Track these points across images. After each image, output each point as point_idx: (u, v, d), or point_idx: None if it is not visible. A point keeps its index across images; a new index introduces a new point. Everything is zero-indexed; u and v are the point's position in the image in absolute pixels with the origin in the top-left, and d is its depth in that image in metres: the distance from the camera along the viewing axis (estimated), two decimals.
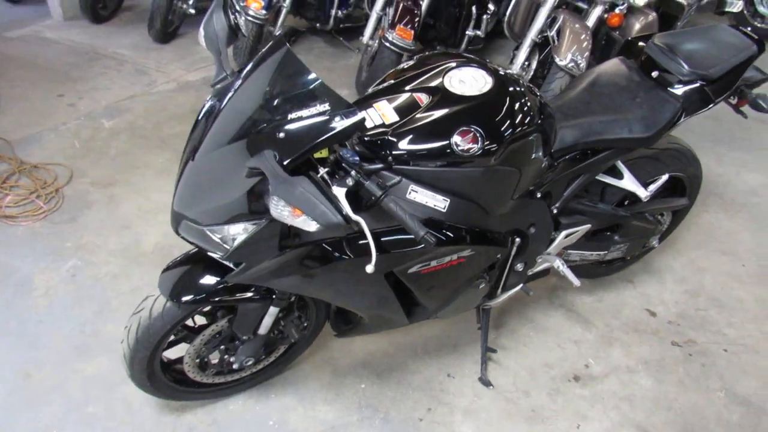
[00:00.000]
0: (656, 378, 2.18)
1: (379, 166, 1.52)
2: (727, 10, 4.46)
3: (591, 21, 3.37)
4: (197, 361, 1.89)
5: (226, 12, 1.62)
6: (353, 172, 1.41)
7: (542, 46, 3.43)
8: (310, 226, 1.22)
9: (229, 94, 1.48)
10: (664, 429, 2.02)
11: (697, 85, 1.91)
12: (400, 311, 1.77)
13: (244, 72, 1.51)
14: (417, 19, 3.57)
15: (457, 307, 1.93)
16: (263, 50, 1.52)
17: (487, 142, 1.54)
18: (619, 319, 2.40)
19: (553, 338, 2.32)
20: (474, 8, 3.90)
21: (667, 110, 1.88)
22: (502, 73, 1.69)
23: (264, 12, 3.97)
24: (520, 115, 1.61)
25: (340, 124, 1.35)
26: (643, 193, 2.03)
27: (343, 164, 1.45)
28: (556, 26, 3.29)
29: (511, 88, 1.64)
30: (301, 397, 2.11)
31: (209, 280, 1.66)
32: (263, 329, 1.81)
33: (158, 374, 1.86)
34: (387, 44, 3.56)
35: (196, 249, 1.75)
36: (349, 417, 2.05)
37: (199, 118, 1.60)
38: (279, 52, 1.47)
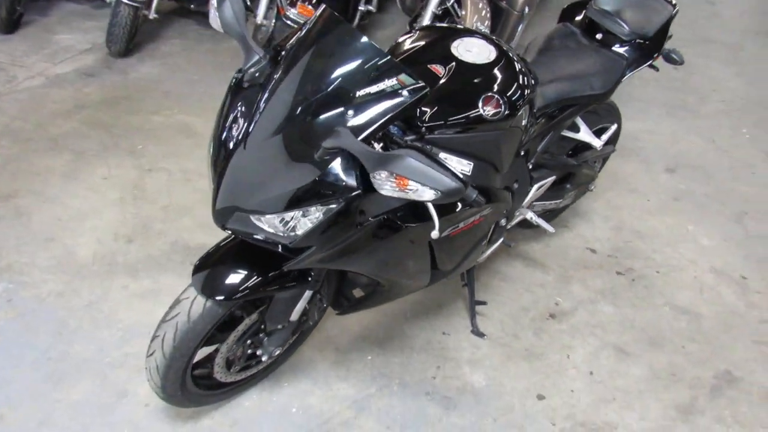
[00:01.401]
0: (614, 304, 2.53)
1: (414, 137, 1.60)
2: None
3: None
4: (224, 359, 1.84)
5: None
6: (404, 144, 1.48)
7: (441, 17, 3.63)
8: (425, 195, 1.26)
9: (276, 77, 1.46)
10: (635, 345, 2.36)
11: (637, 43, 2.22)
12: (428, 274, 1.88)
13: (288, 51, 1.49)
14: None
15: (465, 266, 2.08)
16: (308, 27, 1.51)
17: (508, 106, 1.69)
18: (567, 260, 2.72)
19: (520, 285, 2.57)
20: None
21: (617, 67, 2.17)
22: (497, 41, 1.84)
23: None
24: (525, 79, 1.78)
25: (407, 98, 1.41)
26: (597, 143, 2.32)
27: (395, 138, 1.52)
28: None
29: (511, 55, 1.81)
30: (314, 379, 2.13)
31: (249, 272, 1.62)
32: (295, 315, 1.81)
33: (188, 382, 1.78)
34: (289, 22, 3.53)
35: (225, 242, 1.70)
36: (367, 389, 2.12)
37: (229, 104, 1.55)
38: (332, 27, 1.47)
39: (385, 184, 1.29)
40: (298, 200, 1.40)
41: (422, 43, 1.81)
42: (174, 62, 4.00)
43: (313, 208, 1.42)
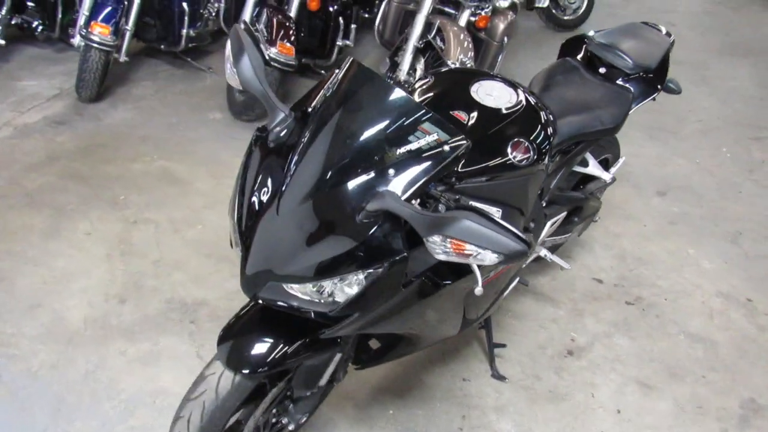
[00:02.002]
0: (629, 336, 2.51)
1: (444, 187, 1.54)
2: (537, 5, 5.12)
3: (461, 24, 3.65)
4: None
5: (259, 47, 1.51)
6: (443, 199, 1.42)
7: (422, 51, 3.62)
8: (486, 259, 1.20)
9: (306, 136, 1.39)
10: (656, 377, 2.34)
11: (641, 76, 2.24)
12: (459, 324, 1.82)
13: (316, 109, 1.43)
14: (292, 33, 3.53)
15: (491, 312, 2.03)
16: (335, 80, 1.45)
17: (536, 151, 1.66)
18: (576, 292, 2.70)
19: (533, 322, 2.53)
20: (341, 19, 3.96)
21: (625, 101, 2.18)
22: (513, 82, 1.82)
23: (111, 38, 3.60)
24: (548, 121, 1.76)
25: (448, 153, 1.36)
26: (607, 176, 2.32)
27: (431, 192, 1.46)
28: (434, 30, 3.52)
29: (531, 98, 1.78)
30: None
31: (279, 340, 1.52)
32: (324, 379, 1.72)
33: None
34: (272, 63, 3.46)
35: (248, 309, 1.61)
36: None
37: (253, 164, 1.47)
38: (363, 80, 1.42)
39: (440, 249, 1.23)
40: (338, 266, 1.33)
41: (440, 88, 1.78)
42: (148, 105, 3.87)
43: (354, 275, 1.34)
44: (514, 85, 1.78)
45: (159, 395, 2.14)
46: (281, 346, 1.52)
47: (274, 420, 1.79)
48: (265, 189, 1.40)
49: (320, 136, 1.38)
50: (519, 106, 1.71)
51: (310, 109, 1.46)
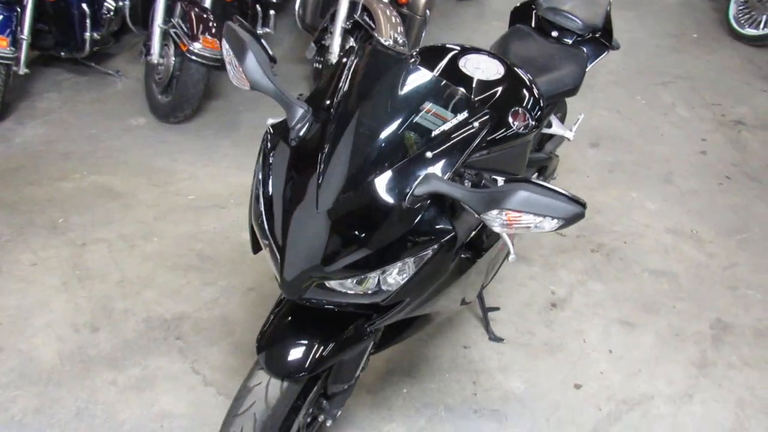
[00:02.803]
0: (601, 281, 2.68)
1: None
2: None
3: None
4: None
5: (260, 42, 1.46)
6: (467, 175, 1.46)
7: (350, 31, 3.60)
8: (546, 226, 1.23)
9: (334, 129, 1.37)
10: (634, 315, 2.53)
11: (591, 36, 2.36)
12: (475, 294, 1.87)
13: (340, 99, 1.41)
14: (213, 25, 3.40)
15: (492, 278, 2.09)
16: (351, 67, 1.43)
17: (533, 117, 1.73)
18: (544, 248, 2.84)
19: (513, 282, 2.64)
20: (258, 7, 3.85)
21: (581, 61, 2.30)
22: (492, 53, 1.87)
23: (10, 50, 3.32)
24: (535, 87, 1.83)
25: (477, 128, 1.39)
26: (570, 135, 2.44)
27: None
28: (359, 9, 3.52)
29: (514, 67, 1.84)
30: (362, 427, 2.05)
31: (321, 339, 1.50)
32: (359, 371, 1.72)
33: None
34: (194, 58, 3.32)
35: (279, 311, 1.58)
36: (417, 423, 2.07)
37: (276, 164, 1.43)
38: (386, 64, 1.41)
39: (497, 222, 1.26)
40: (389, 255, 1.33)
41: (431, 66, 1.79)
42: (59, 118, 3.61)
43: (402, 262, 1.35)
44: (495, 56, 1.83)
45: (164, 419, 2.05)
46: (323, 343, 1.50)
47: (309, 419, 1.77)
48: (298, 187, 1.37)
49: (350, 127, 1.37)
50: (508, 77, 1.77)
51: (329, 102, 1.43)
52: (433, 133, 1.36)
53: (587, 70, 2.34)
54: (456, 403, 2.14)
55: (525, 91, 1.76)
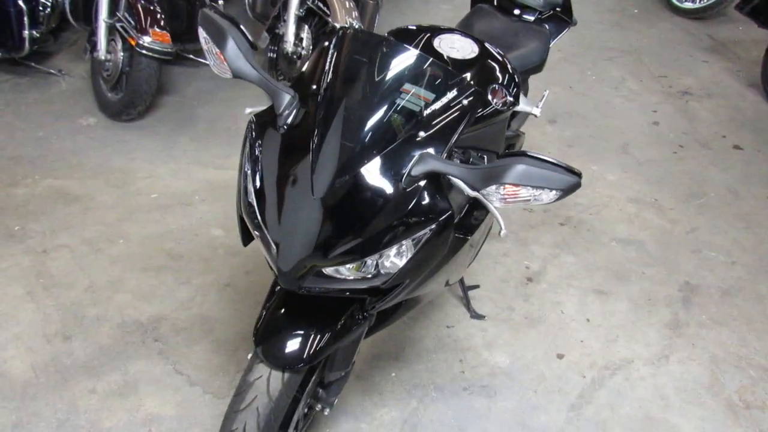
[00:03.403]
0: (572, 253, 2.75)
1: None
2: None
3: None
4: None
5: (240, 28, 1.42)
6: (454, 152, 1.47)
7: (304, 19, 3.55)
8: (545, 198, 1.25)
9: (322, 112, 1.36)
10: (607, 283, 2.60)
11: (551, 12, 2.40)
12: (462, 274, 1.89)
13: (326, 84, 1.39)
14: (161, 17, 3.30)
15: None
16: (332, 50, 1.41)
17: (511, 94, 1.75)
18: (514, 224, 2.89)
19: (487, 260, 2.68)
20: (22, 2, 3.62)
21: (544, 38, 2.33)
22: (463, 32, 1.88)
23: None
24: (509, 64, 1.85)
25: (467, 105, 1.40)
26: (537, 111, 2.47)
27: None
28: None
29: (487, 45, 1.86)
30: (355, 415, 2.04)
31: (318, 327, 1.49)
32: (355, 356, 1.71)
33: None
34: (145, 52, 3.21)
35: (273, 302, 1.56)
36: (409, 405, 2.08)
37: (264, 152, 1.41)
38: (370, 45, 1.40)
39: (495, 197, 1.27)
40: (388, 238, 1.32)
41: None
42: (4, 122, 3.43)
43: (401, 244, 1.35)
44: (468, 36, 1.84)
45: (152, 423, 2.00)
46: (320, 332, 1.49)
47: (306, 410, 1.76)
48: (290, 175, 1.35)
49: (339, 111, 1.36)
50: (483, 55, 1.78)
51: (315, 86, 1.41)
52: (425, 113, 1.36)
53: (550, 46, 2.38)
54: (445, 382, 2.16)
55: (501, 69, 1.79)
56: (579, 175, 1.24)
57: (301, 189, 1.32)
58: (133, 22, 3.25)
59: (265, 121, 1.44)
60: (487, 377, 2.19)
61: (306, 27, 3.54)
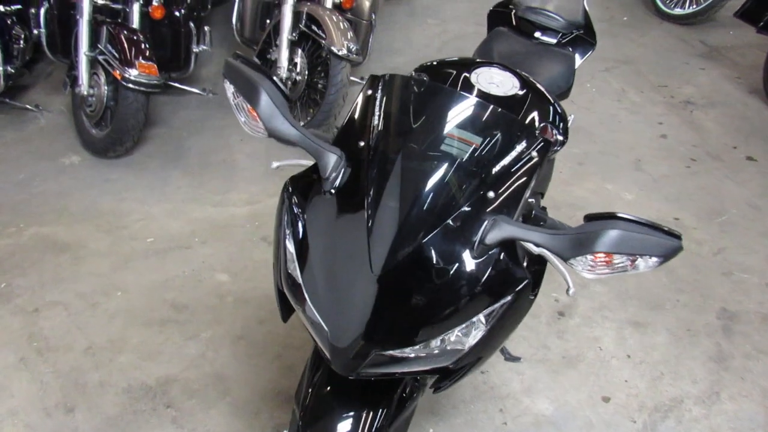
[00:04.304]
0: (601, 282, 2.61)
1: None
2: None
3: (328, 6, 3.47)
4: None
5: (272, 79, 1.25)
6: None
7: (297, 43, 3.39)
8: (642, 267, 1.10)
9: (374, 176, 1.20)
10: (642, 314, 2.47)
11: (575, 34, 2.27)
12: None
13: (376, 141, 1.23)
14: (146, 48, 3.11)
15: None
16: (382, 101, 1.26)
17: (559, 131, 1.61)
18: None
19: None
20: (191, 23, 3.55)
21: (570, 62, 2.20)
22: (502, 64, 1.74)
23: None
24: (552, 98, 1.71)
25: (536, 157, 1.26)
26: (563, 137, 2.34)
27: None
28: (303, 19, 3.31)
29: (529, 78, 1.72)
30: None
31: (370, 406, 1.33)
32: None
33: None
34: (132, 86, 3.01)
35: (315, 377, 1.38)
36: None
37: (310, 221, 1.23)
38: (429, 94, 1.24)
39: (585, 267, 1.12)
40: (461, 314, 1.16)
41: (447, 85, 1.63)
42: None
43: (476, 318, 1.18)
44: (506, 68, 1.70)
45: None
46: (373, 410, 1.32)
47: None
48: (342, 246, 1.18)
49: (394, 170, 1.20)
50: (526, 90, 1.64)
51: (362, 143, 1.25)
52: (492, 171, 1.21)
53: (575, 69, 2.25)
54: None
55: (547, 104, 1.64)
56: (679, 237, 1.10)
57: (357, 263, 1.15)
58: (116, 54, 3.06)
59: (305, 183, 1.27)
60: (533, 428, 2.03)
61: (299, 51, 3.38)
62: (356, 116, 1.31)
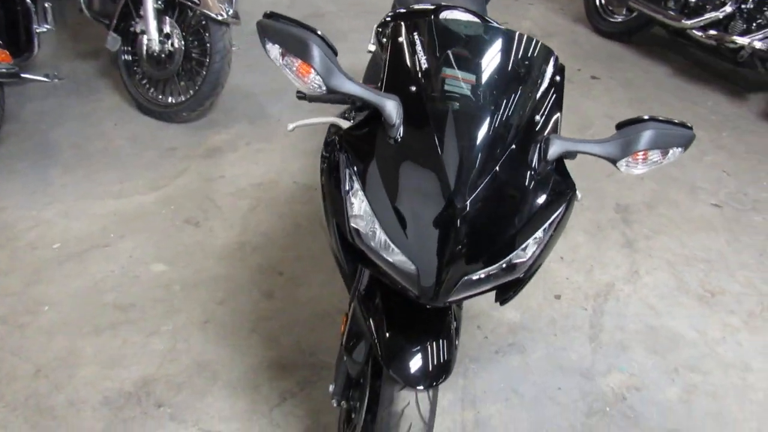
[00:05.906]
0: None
1: None
2: None
3: None
4: None
5: (321, 36, 1.24)
6: None
7: (164, 11, 3.16)
8: (673, 157, 1.29)
9: (438, 115, 1.25)
10: None
11: None
12: None
13: (424, 82, 1.28)
14: None
15: None
16: (423, 42, 1.31)
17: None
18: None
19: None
20: (30, 1, 3.13)
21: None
22: (468, 9, 1.85)
23: None
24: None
25: (559, 77, 1.40)
26: None
27: None
28: None
29: (488, 18, 1.85)
30: None
31: (434, 336, 1.41)
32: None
33: None
34: None
35: (378, 315, 1.43)
36: (457, 384, 2.08)
37: (381, 167, 1.26)
38: (466, 32, 1.31)
39: (629, 165, 1.29)
40: (533, 227, 1.28)
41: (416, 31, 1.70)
42: None
43: (542, 228, 1.31)
44: (469, 11, 1.81)
45: None
46: (437, 339, 1.41)
47: None
48: (421, 186, 1.22)
49: (451, 111, 1.26)
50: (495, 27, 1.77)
51: (414, 88, 1.29)
52: (537, 95, 1.33)
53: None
54: (476, 352, 2.18)
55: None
56: (690, 128, 1.32)
57: (438, 199, 1.21)
58: None
59: (362, 135, 1.29)
60: (510, 335, 2.25)
61: (167, 19, 3.16)
62: (396, 63, 1.34)
